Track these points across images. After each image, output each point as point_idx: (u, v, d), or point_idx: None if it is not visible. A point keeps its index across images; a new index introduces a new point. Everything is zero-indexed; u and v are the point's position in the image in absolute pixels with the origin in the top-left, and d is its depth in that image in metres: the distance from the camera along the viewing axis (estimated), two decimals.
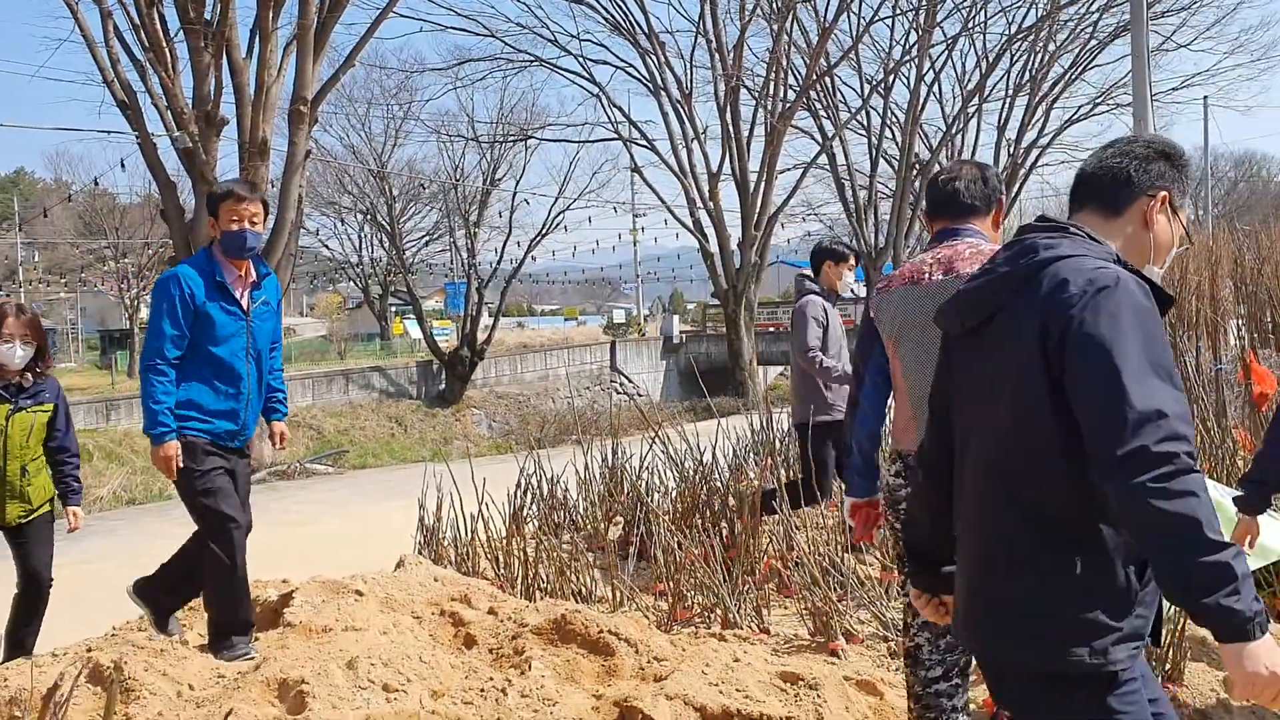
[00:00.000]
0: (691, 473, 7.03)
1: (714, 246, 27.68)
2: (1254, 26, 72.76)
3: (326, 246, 43.65)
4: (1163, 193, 2.17)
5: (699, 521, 6.25)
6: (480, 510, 5.96)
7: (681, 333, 44.23)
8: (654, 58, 27.74)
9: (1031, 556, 2.04)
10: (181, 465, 4.25)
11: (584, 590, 5.48)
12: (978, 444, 2.15)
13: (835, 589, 5.21)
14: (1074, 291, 1.96)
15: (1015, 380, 2.04)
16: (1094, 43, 32.66)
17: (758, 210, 26.68)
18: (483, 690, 3.85)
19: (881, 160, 32.26)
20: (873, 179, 31.92)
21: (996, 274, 2.12)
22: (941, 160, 32.62)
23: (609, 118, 30.52)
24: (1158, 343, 1.93)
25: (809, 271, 6.43)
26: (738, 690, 3.79)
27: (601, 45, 47.90)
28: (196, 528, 4.44)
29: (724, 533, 6.12)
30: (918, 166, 31.21)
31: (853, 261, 6.42)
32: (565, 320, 62.65)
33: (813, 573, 5.04)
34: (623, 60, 30.04)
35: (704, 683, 3.82)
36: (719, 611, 5.17)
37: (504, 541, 5.82)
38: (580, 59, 29.33)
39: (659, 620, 5.12)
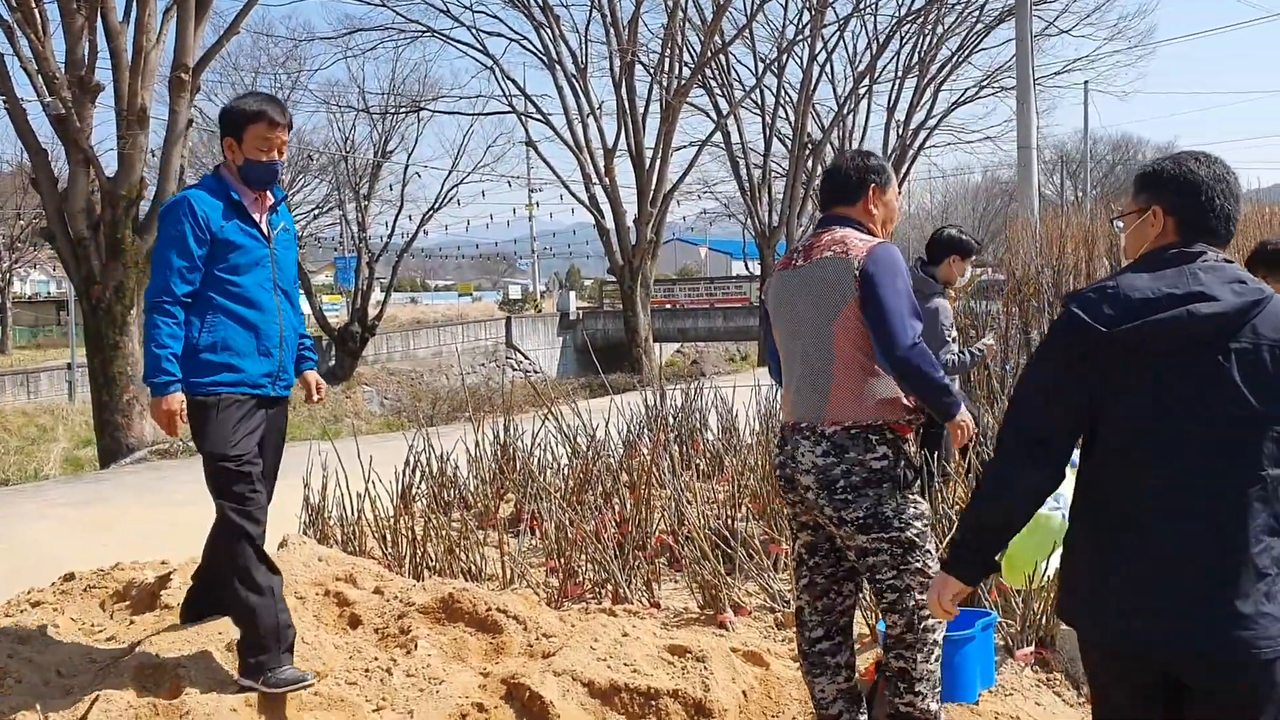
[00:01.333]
0: (584, 449, 7.03)
1: (610, 223, 27.62)
2: (1131, 14, 75.53)
3: None
4: None
5: (591, 498, 6.25)
6: (367, 489, 5.87)
7: (578, 309, 44.17)
8: (549, 31, 27.50)
9: (1271, 558, 2.23)
10: (186, 420, 3.66)
11: (473, 568, 5.44)
12: (1206, 452, 2.24)
13: (724, 562, 5.26)
14: None
15: (1268, 389, 2.22)
16: (980, 26, 33.43)
17: (653, 187, 26.69)
18: (367, 670, 3.80)
19: (775, 139, 32.57)
20: (766, 158, 32.18)
21: (1239, 301, 2.25)
22: (833, 140, 33.06)
23: (503, 91, 30.16)
24: None
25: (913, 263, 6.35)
26: (626, 664, 3.81)
27: (495, 17, 47.34)
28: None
29: (616, 508, 6.13)
30: (810, 146, 31.57)
31: (975, 256, 6.37)
32: (460, 296, 61.99)
33: (702, 547, 5.08)
34: (517, 33, 29.64)
35: (592, 658, 3.82)
36: (610, 587, 5.18)
37: (392, 520, 5.74)
38: (474, 30, 28.92)
39: (549, 597, 5.11)
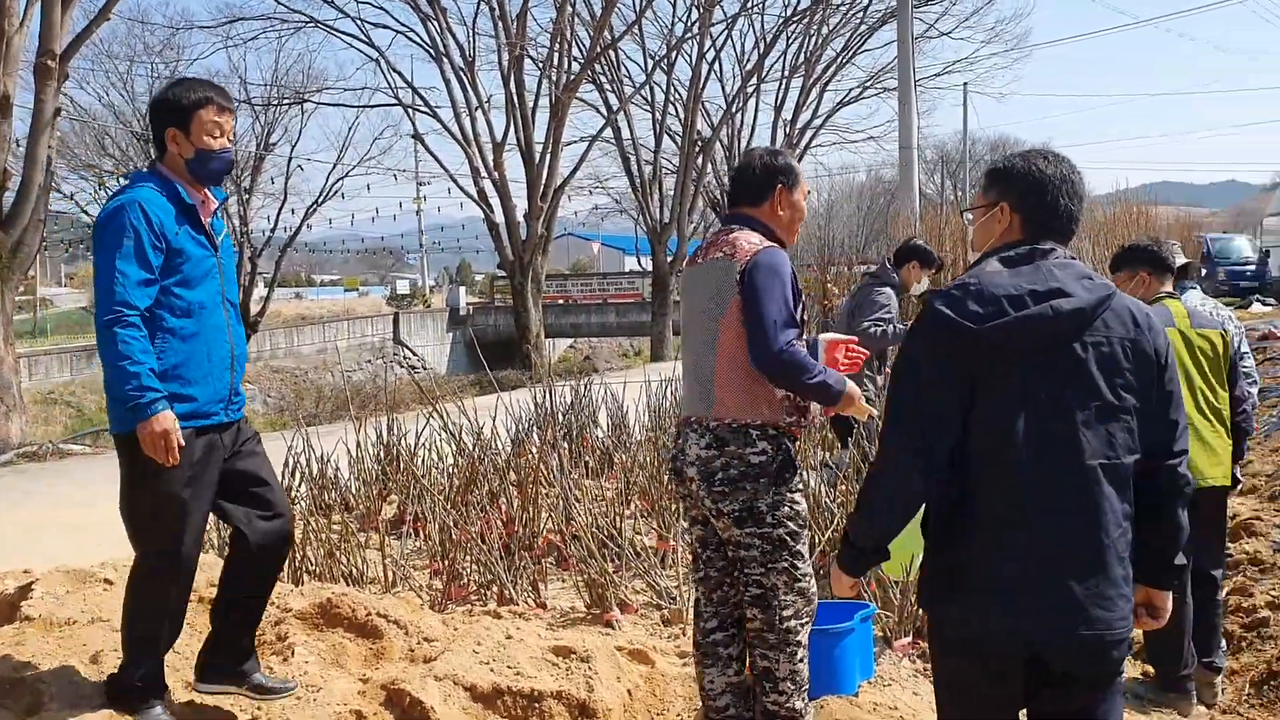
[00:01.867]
0: (471, 448, 6.95)
1: (499, 217, 27.38)
2: (1008, 18, 78.19)
3: (86, 212, 40.53)
4: None
5: (476, 498, 6.18)
6: None
7: (469, 304, 43.72)
8: (435, 23, 27.09)
9: (1125, 541, 2.35)
10: (181, 445, 3.23)
11: (354, 572, 5.33)
12: (1074, 445, 2.31)
13: (611, 560, 5.26)
14: (1155, 318, 2.42)
15: (1128, 378, 2.34)
16: (864, 28, 33.99)
17: (544, 181, 26.54)
18: None
19: (666, 136, 32.67)
20: (657, 154, 32.20)
21: (1090, 297, 2.33)
22: (722, 138, 33.34)
23: (389, 83, 29.70)
24: None
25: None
26: (509, 667, 3.77)
27: (381, 8, 46.14)
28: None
29: (503, 508, 6.08)
30: (700, 143, 31.75)
31: (935, 271, 6.97)
32: (346, 291, 60.91)
33: (589, 545, 5.06)
34: (403, 25, 28.99)
35: (475, 661, 3.78)
36: (495, 588, 5.13)
37: None
38: (359, 22, 28.27)
39: (433, 600, 5.03)
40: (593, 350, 43.28)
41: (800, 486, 3.47)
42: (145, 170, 3.51)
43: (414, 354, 38.58)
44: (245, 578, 3.54)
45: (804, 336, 3.47)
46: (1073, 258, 2.42)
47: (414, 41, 28.02)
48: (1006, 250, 2.42)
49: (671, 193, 32.08)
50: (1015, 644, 2.32)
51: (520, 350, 27.19)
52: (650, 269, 34.16)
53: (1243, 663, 5.09)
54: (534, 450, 7.06)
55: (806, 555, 3.44)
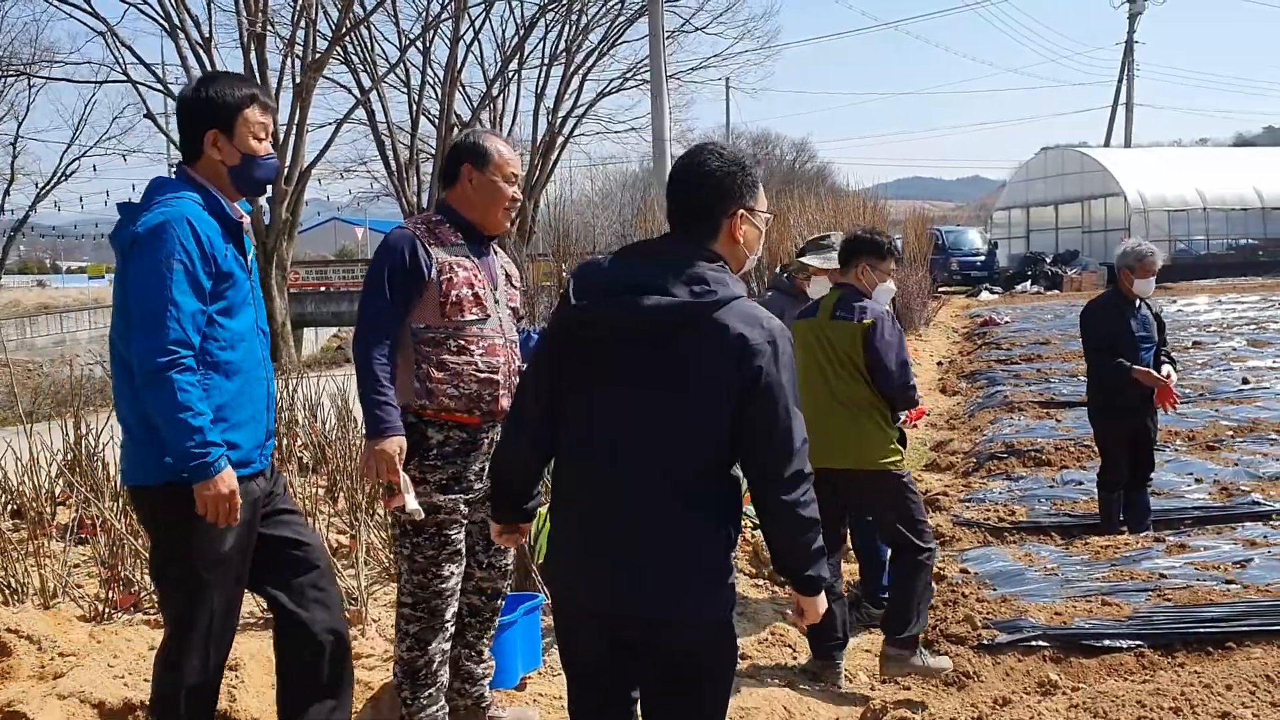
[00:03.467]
0: None
1: None
2: (759, 15, 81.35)
3: None
4: (740, 209, 2.43)
5: None
6: None
7: None
8: None
9: (701, 530, 2.37)
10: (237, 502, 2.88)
11: (14, 584, 4.96)
12: (632, 435, 2.35)
13: None
14: (760, 341, 2.30)
15: (701, 392, 2.31)
16: (622, 20, 34.36)
17: (288, 164, 25.54)
18: None
19: (424, 119, 32.03)
20: (414, 137, 31.56)
21: (680, 300, 2.30)
22: (483, 119, 32.98)
23: (117, 58, 27.64)
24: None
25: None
26: (146, 680, 3.58)
27: None
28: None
29: None
30: (459, 127, 31.31)
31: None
32: (90, 279, 56.93)
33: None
34: None
35: (108, 676, 3.60)
36: None
37: None
38: None
39: (96, 611, 4.74)
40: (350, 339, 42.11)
41: (441, 480, 3.40)
42: (175, 176, 3.04)
43: None
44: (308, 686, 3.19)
45: (528, 326, 3.50)
46: (709, 256, 2.40)
47: (146, 14, 26.29)
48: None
49: (429, 176, 31.52)
50: (583, 614, 2.47)
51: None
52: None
53: None
54: None
55: (434, 553, 3.41)
